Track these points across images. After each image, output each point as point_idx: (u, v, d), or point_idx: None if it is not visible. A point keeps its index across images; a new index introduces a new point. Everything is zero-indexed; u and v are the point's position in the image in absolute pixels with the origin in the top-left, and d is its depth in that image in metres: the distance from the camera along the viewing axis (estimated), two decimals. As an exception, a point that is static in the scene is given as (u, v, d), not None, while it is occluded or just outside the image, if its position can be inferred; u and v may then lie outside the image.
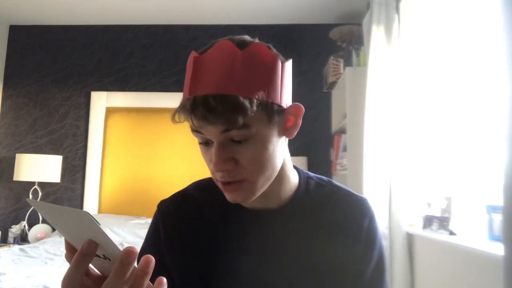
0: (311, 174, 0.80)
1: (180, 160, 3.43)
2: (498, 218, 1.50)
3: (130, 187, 3.44)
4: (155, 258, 0.74)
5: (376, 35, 2.36)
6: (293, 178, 0.75)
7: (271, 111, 0.63)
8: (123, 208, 3.37)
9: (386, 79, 2.30)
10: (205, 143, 0.65)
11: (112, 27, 3.62)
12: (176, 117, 0.64)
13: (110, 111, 3.53)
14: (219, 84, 0.59)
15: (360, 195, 0.78)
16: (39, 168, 3.20)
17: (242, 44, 0.63)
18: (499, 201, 1.18)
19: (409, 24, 2.36)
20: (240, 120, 0.59)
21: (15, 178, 3.21)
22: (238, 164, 0.63)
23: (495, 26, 1.63)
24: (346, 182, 2.51)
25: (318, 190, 0.76)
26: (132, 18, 3.50)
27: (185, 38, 3.57)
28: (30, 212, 3.31)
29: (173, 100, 3.46)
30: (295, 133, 0.69)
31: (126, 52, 3.58)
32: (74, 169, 3.46)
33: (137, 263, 0.75)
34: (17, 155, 3.25)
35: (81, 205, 3.39)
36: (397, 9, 2.38)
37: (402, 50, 2.32)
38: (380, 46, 2.34)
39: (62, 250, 2.53)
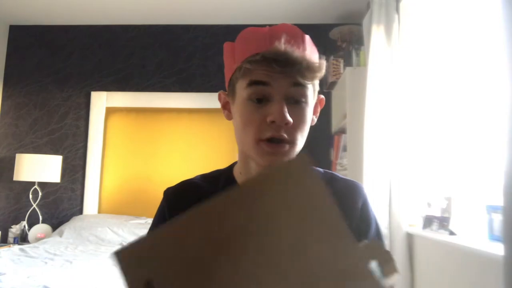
0: None
1: (180, 160, 3.43)
2: (498, 218, 1.50)
3: (130, 187, 3.44)
4: None
5: (376, 35, 2.36)
6: None
7: (316, 87, 0.74)
8: (123, 208, 3.37)
9: (386, 79, 2.30)
10: (258, 100, 0.68)
11: (112, 27, 3.62)
12: (238, 75, 0.70)
13: (110, 111, 3.53)
14: (292, 46, 0.66)
15: (355, 181, 0.83)
16: (39, 168, 3.20)
17: (295, 27, 0.72)
18: (499, 201, 1.18)
19: (409, 24, 2.36)
20: (318, 76, 0.69)
21: (15, 178, 3.21)
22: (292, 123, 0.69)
23: (495, 26, 1.63)
24: (346, 182, 2.51)
25: None
26: (132, 18, 3.50)
27: (185, 38, 3.57)
28: (30, 212, 3.31)
29: (173, 100, 3.47)
30: (315, 121, 0.79)
31: (126, 52, 3.59)
32: (74, 169, 3.46)
33: None
34: (17, 155, 3.26)
35: (81, 205, 3.39)
36: (397, 9, 2.38)
37: (402, 50, 2.32)
38: (380, 46, 2.34)
39: (62, 250, 2.53)
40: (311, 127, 0.76)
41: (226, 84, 0.76)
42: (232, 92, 0.74)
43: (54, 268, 2.05)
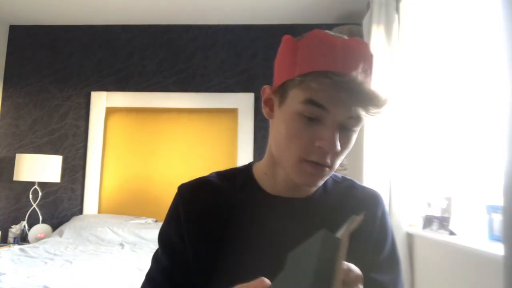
0: None
1: (180, 160, 3.43)
2: (498, 218, 1.50)
3: (130, 187, 3.44)
4: (176, 239, 0.75)
5: (376, 35, 2.36)
6: None
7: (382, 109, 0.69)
8: (123, 208, 3.37)
9: (386, 79, 2.30)
10: (310, 119, 0.65)
11: (112, 27, 3.62)
12: (296, 83, 0.64)
13: (110, 111, 3.53)
14: (365, 75, 0.62)
15: (374, 190, 0.82)
16: (39, 168, 3.20)
17: (368, 46, 0.68)
18: (499, 201, 1.18)
19: (409, 24, 2.36)
20: (375, 113, 0.64)
21: (15, 178, 3.21)
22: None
23: (495, 26, 1.63)
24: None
25: (334, 186, 0.80)
26: (132, 18, 3.50)
27: (185, 38, 3.57)
28: (30, 212, 3.31)
29: (173, 100, 3.47)
30: None
31: (126, 52, 3.58)
32: (74, 169, 3.46)
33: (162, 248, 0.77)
34: (17, 155, 3.26)
35: (81, 205, 3.39)
36: (397, 9, 2.38)
37: (402, 50, 2.32)
38: (380, 46, 2.34)
39: (62, 250, 2.53)
40: None
41: (276, 82, 0.70)
42: (282, 95, 0.69)
43: (54, 268, 2.05)
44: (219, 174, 0.81)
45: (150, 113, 3.52)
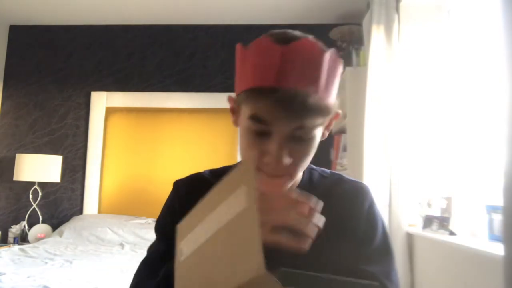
0: (313, 166, 0.83)
1: (180, 160, 3.43)
2: (498, 218, 1.50)
3: (130, 187, 3.44)
4: (171, 230, 0.75)
5: (376, 35, 2.36)
6: None
7: (329, 117, 0.67)
8: (123, 208, 3.37)
9: (386, 79, 2.30)
10: (260, 134, 0.64)
11: (112, 27, 3.62)
12: (243, 98, 0.64)
13: (110, 111, 3.53)
14: (308, 83, 0.60)
15: (362, 182, 0.82)
16: (39, 168, 3.20)
17: (322, 45, 0.65)
18: (499, 201, 1.18)
19: (409, 24, 2.36)
20: (322, 122, 0.64)
21: (15, 178, 3.21)
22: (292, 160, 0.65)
23: (495, 25, 1.63)
24: (346, 182, 2.50)
25: (321, 181, 0.80)
26: (132, 18, 3.50)
27: (185, 38, 3.57)
28: (30, 212, 3.31)
29: (173, 100, 3.47)
30: (327, 135, 0.73)
31: (126, 52, 3.59)
32: (74, 169, 3.46)
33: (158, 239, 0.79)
34: (17, 155, 3.26)
35: (81, 205, 3.39)
36: (397, 9, 2.38)
37: (402, 50, 2.32)
38: (380, 46, 2.34)
39: (62, 250, 2.53)
40: None
41: (236, 92, 0.70)
42: (238, 106, 0.69)
43: (54, 268, 2.05)
44: (212, 171, 0.83)
45: (150, 113, 3.52)
